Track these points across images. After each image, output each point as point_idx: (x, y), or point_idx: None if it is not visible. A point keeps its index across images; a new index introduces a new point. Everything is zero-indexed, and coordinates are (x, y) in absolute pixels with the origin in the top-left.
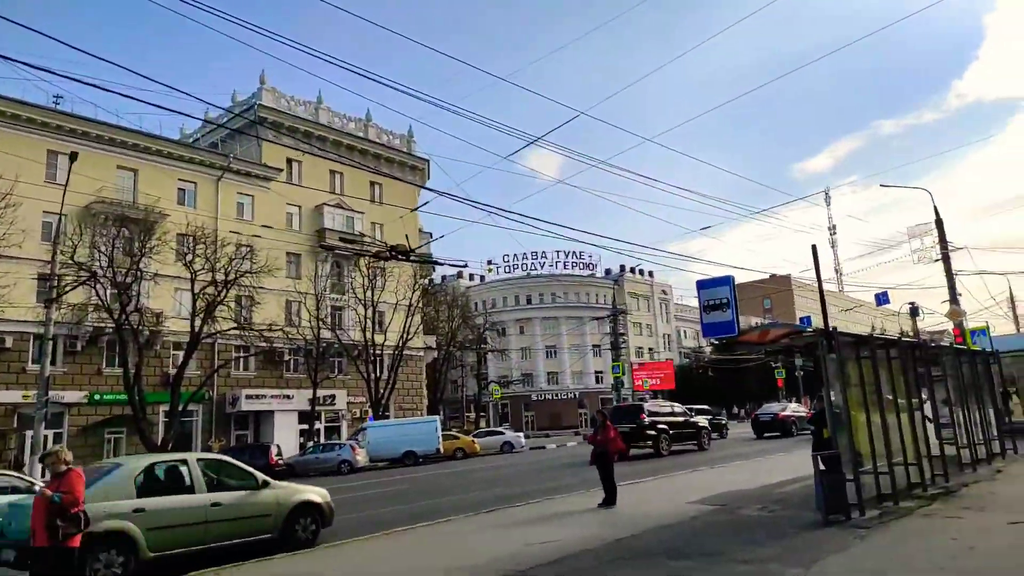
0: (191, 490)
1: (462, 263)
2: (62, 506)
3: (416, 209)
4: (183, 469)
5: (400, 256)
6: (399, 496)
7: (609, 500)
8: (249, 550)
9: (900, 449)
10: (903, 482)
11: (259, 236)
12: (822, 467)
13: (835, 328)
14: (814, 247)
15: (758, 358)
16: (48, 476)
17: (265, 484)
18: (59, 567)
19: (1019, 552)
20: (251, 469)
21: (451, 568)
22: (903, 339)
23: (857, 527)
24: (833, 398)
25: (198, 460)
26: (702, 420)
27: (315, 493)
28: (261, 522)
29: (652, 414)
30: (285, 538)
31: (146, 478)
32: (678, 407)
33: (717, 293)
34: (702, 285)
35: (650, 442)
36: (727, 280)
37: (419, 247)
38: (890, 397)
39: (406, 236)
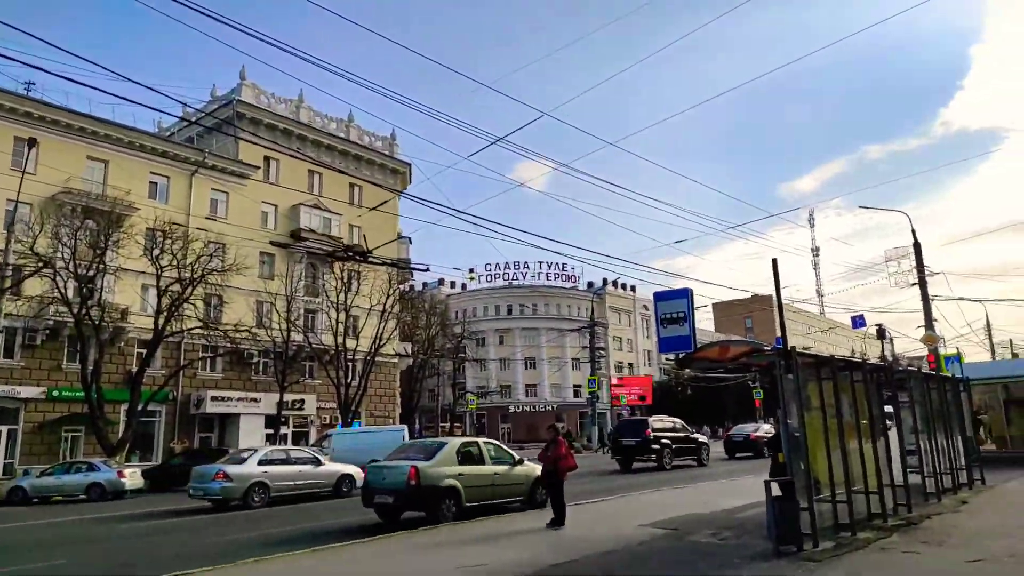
0: (483, 462)
1: (424, 267)
2: None
3: (377, 208)
4: (477, 448)
5: (358, 257)
6: (349, 508)
7: (557, 521)
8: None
9: (861, 477)
10: (863, 512)
11: (230, 235)
12: (777, 493)
13: (793, 348)
14: (774, 261)
15: (735, 376)
16: None
17: (520, 462)
18: None
19: None
20: (509, 450)
21: None
22: (867, 362)
23: (808, 560)
24: (791, 421)
25: (484, 442)
26: (702, 437)
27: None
28: (518, 488)
29: (656, 429)
30: (530, 501)
31: (461, 452)
32: (679, 423)
33: (674, 306)
34: (659, 297)
35: (654, 456)
36: (685, 293)
37: (378, 248)
38: (853, 422)
39: (363, 237)
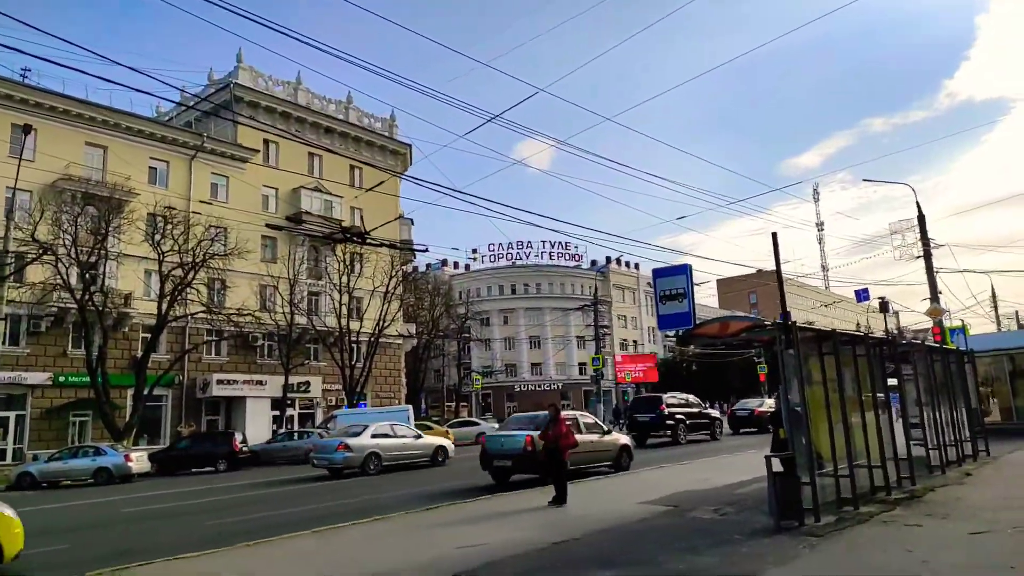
0: (581, 431)
1: (423, 247)
2: None
3: (376, 189)
4: (576, 420)
5: (355, 239)
6: (348, 489)
7: (559, 499)
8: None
9: (864, 450)
10: (866, 486)
11: (231, 219)
12: (779, 468)
13: (793, 322)
14: (774, 235)
15: (740, 352)
16: None
17: (608, 432)
18: None
19: (973, 571)
20: (600, 423)
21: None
22: (869, 335)
23: (809, 535)
24: (792, 396)
25: (581, 415)
26: (714, 412)
27: (627, 438)
28: (607, 454)
29: (670, 405)
30: (616, 465)
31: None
32: (693, 399)
33: (673, 283)
34: (658, 274)
35: (669, 431)
36: (684, 269)
37: (376, 229)
38: (856, 396)
39: (361, 218)
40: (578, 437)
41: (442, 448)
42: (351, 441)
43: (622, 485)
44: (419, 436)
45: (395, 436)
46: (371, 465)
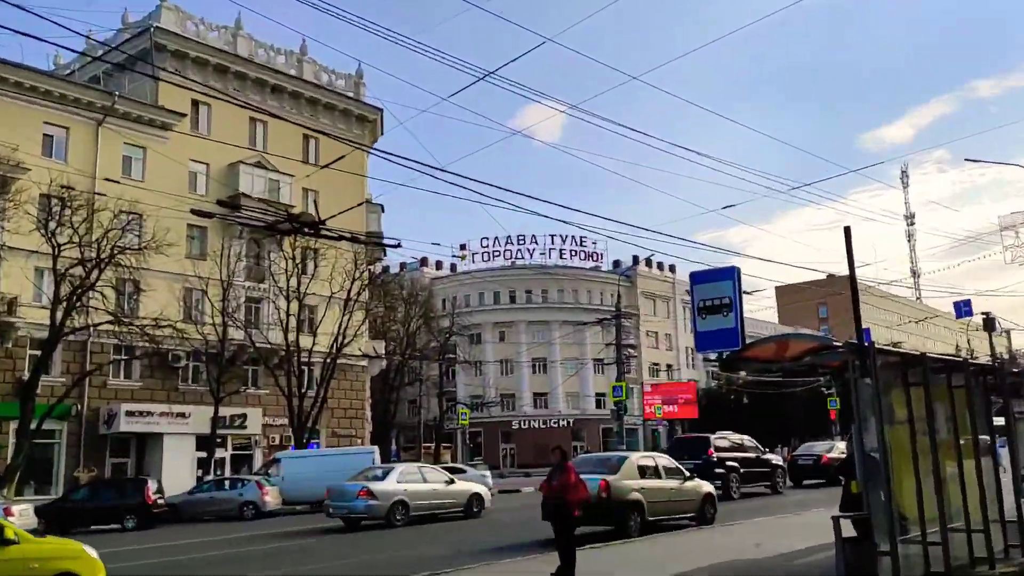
0: (659, 476)
1: (395, 241)
2: None
3: (334, 166)
4: (654, 462)
5: (307, 230)
6: (303, 553)
7: (566, 568)
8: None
9: (961, 510)
10: (963, 556)
11: (148, 203)
12: (851, 533)
13: (871, 343)
14: (847, 229)
15: (804, 381)
16: None
17: (689, 478)
18: None
19: None
20: (680, 466)
21: None
22: (971, 361)
23: None
24: (868, 439)
25: (658, 456)
26: (776, 458)
27: (710, 486)
28: (689, 504)
29: (720, 449)
30: (701, 517)
31: (640, 468)
32: (748, 441)
33: (716, 290)
34: (697, 279)
35: (718, 481)
36: (730, 272)
37: (334, 217)
38: (951, 439)
39: (315, 203)
40: (657, 483)
41: (477, 496)
42: (375, 487)
43: (649, 552)
44: (451, 481)
45: (424, 481)
46: (397, 515)
